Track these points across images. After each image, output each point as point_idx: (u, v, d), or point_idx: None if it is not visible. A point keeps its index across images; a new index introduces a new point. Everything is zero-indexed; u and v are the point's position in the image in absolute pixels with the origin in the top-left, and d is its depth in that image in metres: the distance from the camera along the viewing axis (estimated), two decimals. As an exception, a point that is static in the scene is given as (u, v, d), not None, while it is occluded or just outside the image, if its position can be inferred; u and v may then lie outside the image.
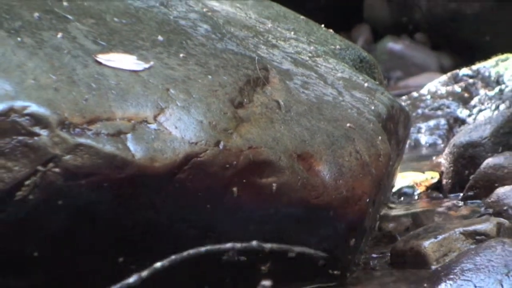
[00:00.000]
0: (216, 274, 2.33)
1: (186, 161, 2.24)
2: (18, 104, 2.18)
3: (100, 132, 2.20)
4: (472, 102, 4.23)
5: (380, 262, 2.68)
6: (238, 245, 1.88)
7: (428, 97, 4.32)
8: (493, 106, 4.13)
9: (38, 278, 2.24)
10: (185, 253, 1.83)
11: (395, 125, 2.75)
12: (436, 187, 3.38)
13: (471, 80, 4.29)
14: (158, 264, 1.82)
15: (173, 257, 1.82)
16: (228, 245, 1.86)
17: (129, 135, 2.22)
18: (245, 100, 2.40)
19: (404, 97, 4.32)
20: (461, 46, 6.05)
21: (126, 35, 2.46)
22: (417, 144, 4.15)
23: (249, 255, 2.30)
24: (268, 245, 1.88)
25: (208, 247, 1.85)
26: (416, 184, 3.39)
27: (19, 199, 2.16)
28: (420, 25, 6.29)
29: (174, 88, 2.33)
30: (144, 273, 1.79)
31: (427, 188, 3.38)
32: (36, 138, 2.17)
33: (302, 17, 3.14)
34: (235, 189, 2.29)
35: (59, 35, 2.38)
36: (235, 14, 2.90)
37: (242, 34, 2.71)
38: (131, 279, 1.79)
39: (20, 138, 2.16)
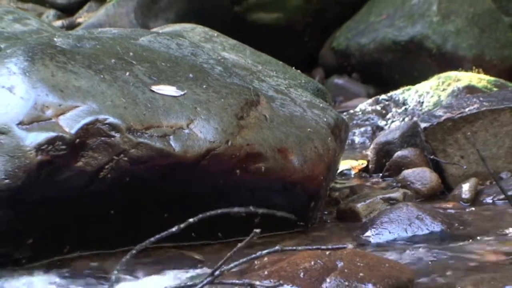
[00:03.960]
0: (225, 224, 2.33)
1: (207, 153, 2.23)
2: (101, 117, 2.18)
3: (153, 135, 2.20)
4: (388, 116, 4.21)
5: (330, 217, 2.67)
6: (242, 209, 1.86)
7: (360, 113, 4.31)
8: (401, 119, 4.12)
9: (114, 228, 2.23)
10: (207, 213, 1.81)
11: (339, 130, 2.74)
12: (365, 169, 3.37)
13: (387, 102, 4.28)
14: (191, 220, 1.80)
15: (200, 215, 1.80)
16: (235, 209, 1.85)
17: (171, 137, 2.21)
18: (244, 114, 2.39)
19: (345, 113, 4.30)
20: (381, 81, 6.03)
21: (169, 74, 2.45)
22: (352, 143, 4.13)
23: (247, 213, 2.29)
24: (260, 210, 1.86)
25: (223, 210, 1.84)
26: (352, 167, 3.37)
27: (101, 177, 2.15)
28: (355, 68, 6.28)
29: (199, 107, 2.32)
30: (182, 225, 1.77)
31: (359, 170, 3.37)
32: (112, 138, 2.16)
33: (280, 62, 3.13)
34: (238, 171, 2.28)
35: (127, 73, 2.37)
36: (238, 60, 2.89)
37: (242, 73, 2.70)
38: (174, 229, 1.78)
39: (102, 138, 2.16)
